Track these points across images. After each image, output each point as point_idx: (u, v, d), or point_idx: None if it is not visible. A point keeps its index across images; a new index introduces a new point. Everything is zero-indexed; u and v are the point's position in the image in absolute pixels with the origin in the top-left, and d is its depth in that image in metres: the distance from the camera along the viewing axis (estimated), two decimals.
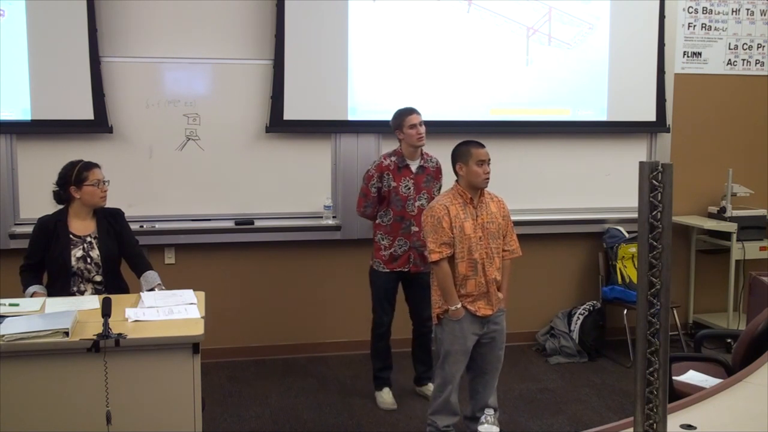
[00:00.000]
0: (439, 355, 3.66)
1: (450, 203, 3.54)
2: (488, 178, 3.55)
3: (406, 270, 4.29)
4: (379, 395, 4.40)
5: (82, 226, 3.63)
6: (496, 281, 3.57)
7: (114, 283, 3.64)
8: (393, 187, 4.26)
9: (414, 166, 4.29)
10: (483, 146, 3.58)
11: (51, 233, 3.59)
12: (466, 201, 3.54)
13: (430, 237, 3.55)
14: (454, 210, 3.52)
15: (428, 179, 4.33)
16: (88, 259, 3.58)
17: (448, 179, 4.22)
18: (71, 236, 3.59)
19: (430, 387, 4.32)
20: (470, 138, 3.71)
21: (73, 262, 3.56)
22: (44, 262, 3.62)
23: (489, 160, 3.54)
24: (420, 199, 4.27)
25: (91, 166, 3.62)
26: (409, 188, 4.27)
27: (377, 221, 4.33)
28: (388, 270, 4.30)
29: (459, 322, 3.54)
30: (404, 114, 4.26)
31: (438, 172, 4.39)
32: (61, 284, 3.55)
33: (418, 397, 4.47)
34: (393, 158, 4.29)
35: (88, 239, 3.61)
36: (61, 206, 3.66)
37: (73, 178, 3.59)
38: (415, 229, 4.25)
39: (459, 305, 3.52)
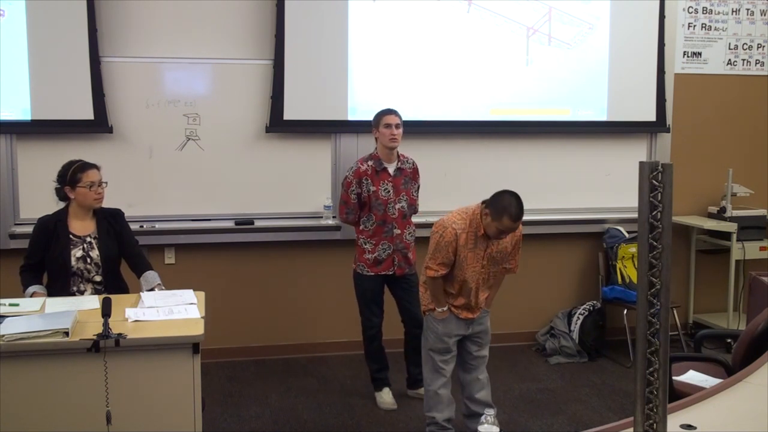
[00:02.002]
0: (425, 350, 3.74)
1: (462, 231, 3.50)
2: (501, 238, 3.50)
3: (390, 273, 4.30)
4: (378, 396, 4.40)
5: (81, 226, 3.63)
6: (483, 297, 3.67)
7: (114, 283, 3.64)
8: (373, 191, 4.23)
9: (392, 169, 4.28)
10: (519, 218, 3.40)
11: (51, 233, 3.59)
12: (479, 234, 3.51)
13: (432, 254, 3.58)
14: (464, 239, 3.52)
15: (406, 181, 4.31)
16: (88, 259, 3.58)
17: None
18: (71, 236, 3.59)
19: None
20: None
21: (73, 262, 3.56)
22: (44, 262, 3.62)
23: (514, 229, 3.47)
24: (400, 201, 4.27)
25: (87, 167, 3.61)
26: (389, 191, 4.26)
27: (360, 227, 4.32)
28: (372, 273, 4.29)
29: (443, 322, 3.64)
30: (382, 113, 4.26)
31: (415, 172, 4.38)
32: (61, 284, 3.55)
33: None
34: (370, 162, 4.27)
35: (88, 239, 3.61)
36: (63, 203, 3.66)
37: (67, 179, 3.59)
38: (397, 231, 4.26)
39: (445, 308, 3.63)
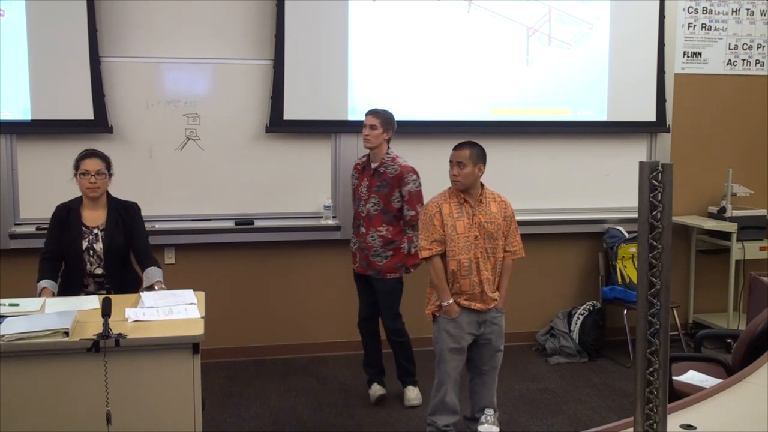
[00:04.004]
0: (435, 354, 3.66)
1: (444, 201, 3.57)
2: (457, 180, 3.52)
3: (354, 267, 4.36)
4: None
5: (93, 216, 3.67)
6: (489, 281, 3.56)
7: (119, 275, 3.66)
8: (355, 185, 4.33)
9: (372, 169, 4.28)
10: (461, 147, 3.57)
11: (64, 221, 3.64)
12: (461, 201, 3.55)
13: (422, 234, 3.59)
14: (447, 208, 3.54)
15: (382, 184, 4.20)
16: (91, 251, 3.61)
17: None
18: (83, 227, 3.63)
19: (406, 390, 4.40)
20: (469, 138, 3.70)
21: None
22: (61, 249, 3.65)
23: (461, 162, 3.50)
24: (370, 201, 4.23)
25: (87, 155, 3.65)
26: (365, 189, 4.28)
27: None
28: (353, 266, 4.40)
29: (454, 321, 3.55)
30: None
31: (395, 179, 4.16)
32: (77, 271, 3.60)
33: None
34: (363, 158, 4.36)
35: (95, 231, 3.64)
36: None
37: (73, 166, 3.65)
38: (362, 230, 4.28)
39: (451, 300, 3.54)
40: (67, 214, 3.64)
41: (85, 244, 3.61)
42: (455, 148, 3.58)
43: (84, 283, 3.61)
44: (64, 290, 3.59)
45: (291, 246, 5.10)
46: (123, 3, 4.71)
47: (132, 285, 3.66)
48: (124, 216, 3.70)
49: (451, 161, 3.55)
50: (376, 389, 4.42)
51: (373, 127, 4.20)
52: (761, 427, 2.11)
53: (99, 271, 3.62)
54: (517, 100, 5.30)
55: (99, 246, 3.62)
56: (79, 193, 3.71)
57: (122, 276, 3.68)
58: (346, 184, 4.99)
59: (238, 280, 5.07)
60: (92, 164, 3.61)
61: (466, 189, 3.55)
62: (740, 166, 5.57)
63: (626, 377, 4.86)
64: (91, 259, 3.61)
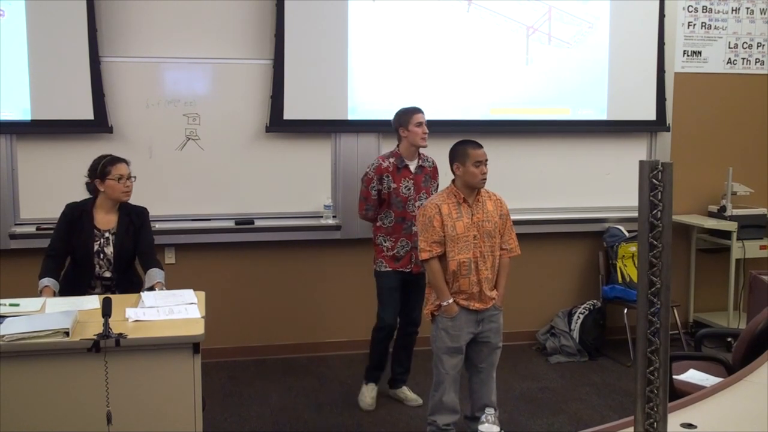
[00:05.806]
0: (433, 354, 3.66)
1: (442, 202, 3.56)
2: (485, 179, 3.55)
3: (408, 270, 4.28)
4: (362, 390, 4.40)
5: (105, 220, 3.68)
6: (488, 280, 3.57)
7: (126, 278, 3.68)
8: (393, 188, 4.24)
9: (413, 166, 4.28)
10: (480, 146, 3.58)
11: (75, 222, 3.65)
12: (460, 200, 3.55)
13: (422, 236, 3.59)
14: (447, 209, 3.54)
15: (426, 179, 4.32)
16: (101, 254, 3.63)
17: (446, 179, 4.23)
18: (95, 229, 3.64)
19: (405, 390, 4.40)
20: (469, 137, 3.71)
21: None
22: (68, 249, 3.66)
23: (486, 160, 3.55)
24: (420, 199, 4.26)
25: (116, 161, 3.68)
26: (410, 189, 4.26)
27: (378, 223, 4.31)
28: (390, 269, 4.28)
29: (453, 320, 3.55)
30: (411, 112, 4.24)
31: (435, 171, 4.39)
32: (84, 273, 3.61)
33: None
34: (391, 159, 4.27)
35: (107, 235, 3.66)
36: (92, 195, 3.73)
37: (98, 171, 3.65)
38: (416, 229, 4.24)
39: (451, 300, 3.53)
40: (79, 215, 3.65)
41: (95, 247, 3.63)
42: (476, 147, 3.56)
43: (91, 285, 3.63)
44: (71, 291, 3.59)
45: (291, 246, 5.10)
46: (123, 3, 4.71)
47: (134, 286, 3.68)
48: (135, 221, 3.73)
49: (480, 161, 3.52)
50: (369, 400, 4.36)
51: (426, 123, 4.25)
52: (761, 426, 2.11)
53: (107, 274, 3.64)
54: (517, 99, 5.30)
55: (109, 250, 3.64)
56: (86, 195, 3.72)
57: (127, 278, 3.70)
58: (347, 184, 5.00)
59: (238, 280, 5.07)
60: (125, 169, 3.67)
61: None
62: (740, 164, 5.57)
63: (626, 376, 4.86)
64: (101, 262, 3.63)
